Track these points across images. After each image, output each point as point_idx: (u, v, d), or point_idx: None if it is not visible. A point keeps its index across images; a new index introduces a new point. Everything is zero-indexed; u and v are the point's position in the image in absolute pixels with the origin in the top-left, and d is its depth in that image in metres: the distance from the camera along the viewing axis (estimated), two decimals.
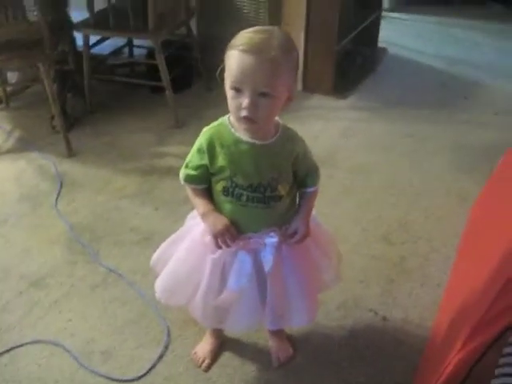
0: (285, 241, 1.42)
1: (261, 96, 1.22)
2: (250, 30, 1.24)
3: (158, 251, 1.60)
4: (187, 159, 1.40)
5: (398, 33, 4.28)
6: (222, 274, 1.45)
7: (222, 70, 1.26)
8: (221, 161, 1.34)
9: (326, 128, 3.00)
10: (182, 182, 1.42)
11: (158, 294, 1.59)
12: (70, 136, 2.77)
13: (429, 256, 2.11)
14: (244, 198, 1.36)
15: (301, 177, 1.43)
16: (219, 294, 1.46)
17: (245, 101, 1.22)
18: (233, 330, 1.63)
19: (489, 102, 3.31)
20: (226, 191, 1.38)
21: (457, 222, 2.15)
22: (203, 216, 1.40)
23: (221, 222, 1.37)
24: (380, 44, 3.91)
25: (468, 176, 2.55)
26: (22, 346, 1.77)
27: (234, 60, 1.21)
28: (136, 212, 2.35)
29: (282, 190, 1.37)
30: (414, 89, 3.47)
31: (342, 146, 2.84)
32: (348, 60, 3.47)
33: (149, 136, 2.89)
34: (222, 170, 1.35)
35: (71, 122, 2.94)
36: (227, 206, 1.40)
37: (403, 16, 4.69)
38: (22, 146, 2.82)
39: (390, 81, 3.57)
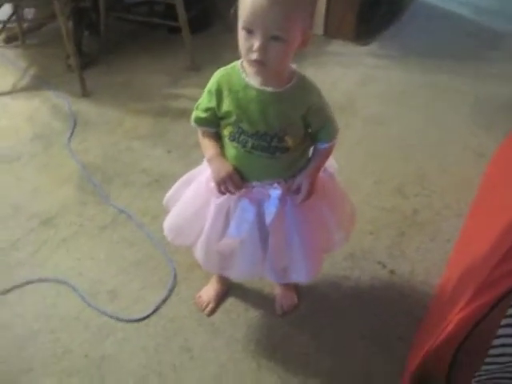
0: (288, 195, 1.39)
1: (272, 39, 1.17)
2: None
3: (171, 190, 1.59)
4: (199, 101, 1.38)
5: None
6: (224, 220, 1.44)
7: (237, 9, 1.21)
8: (227, 105, 1.31)
9: (346, 75, 2.93)
10: (192, 124, 1.40)
11: (165, 232, 1.60)
12: (85, 75, 2.73)
13: (441, 211, 2.08)
14: (249, 145, 1.33)
15: (314, 131, 1.37)
16: (221, 239, 1.46)
17: (256, 43, 1.17)
18: (234, 277, 1.63)
19: None
20: (232, 136, 1.35)
21: (472, 178, 2.10)
22: (209, 160, 1.39)
23: (224, 168, 1.35)
24: None
25: (486, 132, 2.48)
26: (30, 283, 1.80)
27: (247, 0, 1.15)
28: (148, 154, 2.34)
29: (290, 141, 1.33)
30: (439, 38, 3.35)
31: (361, 94, 2.77)
32: (372, 5, 3.34)
33: (164, 77, 2.84)
34: (228, 114, 1.32)
35: (87, 60, 2.89)
36: (233, 152, 1.37)
37: None
38: (37, 84, 2.79)
39: (414, 29, 3.45)
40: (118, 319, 1.70)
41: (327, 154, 1.41)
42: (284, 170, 1.39)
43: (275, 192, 1.38)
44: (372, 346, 1.65)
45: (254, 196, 1.40)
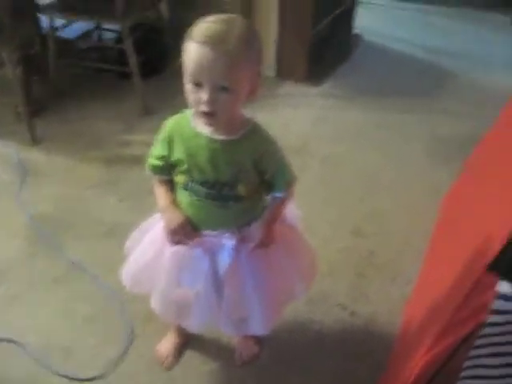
0: (242, 244, 1.36)
1: (220, 90, 1.16)
2: (210, 19, 1.17)
3: (130, 238, 1.55)
4: (152, 149, 1.37)
5: (374, 19, 4.22)
6: (179, 269, 1.41)
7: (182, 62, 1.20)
8: (178, 153, 1.30)
9: (299, 116, 2.95)
10: (147, 172, 1.39)
11: (123, 279, 1.55)
12: (35, 123, 2.68)
13: (400, 249, 2.09)
14: (200, 193, 1.32)
15: (269, 179, 1.35)
16: (177, 288, 1.43)
17: (204, 96, 1.16)
18: (191, 328, 1.58)
19: (465, 91, 3.28)
20: (184, 185, 1.33)
21: (430, 215, 2.11)
22: (161, 210, 1.37)
23: (176, 219, 1.33)
24: (356, 30, 3.85)
25: (442, 167, 2.52)
26: None
27: (192, 53, 1.15)
28: (101, 203, 2.28)
29: (243, 190, 1.31)
30: (388, 77, 3.43)
31: (314, 135, 2.79)
32: (322, 46, 3.41)
33: (116, 123, 2.81)
34: (179, 162, 1.31)
35: (36, 108, 2.84)
36: (185, 200, 1.35)
37: (380, 1, 4.63)
38: None
39: (364, 68, 3.52)
40: (73, 378, 1.63)
41: (283, 203, 1.39)
42: (237, 219, 1.36)
43: (229, 242, 1.35)
44: None
45: (208, 245, 1.37)
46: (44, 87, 3.02)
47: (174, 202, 1.36)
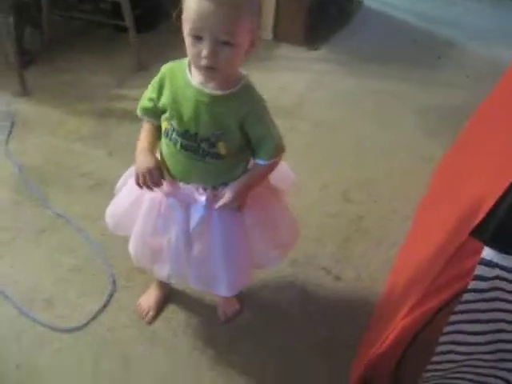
0: (213, 204, 1.34)
1: (222, 44, 1.13)
2: None
3: (120, 179, 1.55)
4: (145, 92, 1.36)
5: None
6: (156, 216, 1.41)
7: (180, 13, 1.16)
8: (165, 98, 1.28)
9: (294, 79, 2.92)
10: (137, 113, 1.37)
11: (106, 219, 1.56)
12: (26, 73, 2.64)
13: (387, 216, 2.08)
14: (178, 144, 1.30)
15: (253, 144, 1.31)
16: (152, 234, 1.44)
17: (204, 50, 1.13)
18: (161, 275, 1.55)
19: (461, 63, 3.25)
20: (165, 133, 1.32)
21: (418, 184, 2.09)
22: (137, 153, 1.35)
23: (146, 163, 1.31)
24: None
25: (434, 138, 2.50)
26: None
27: (192, 5, 1.11)
28: (89, 156, 2.26)
29: (223, 149, 1.28)
30: (386, 44, 3.38)
31: (309, 99, 2.76)
32: (322, 10, 3.34)
33: (108, 77, 2.76)
34: (164, 107, 1.29)
35: (28, 58, 2.79)
36: (165, 148, 1.35)
37: None
38: None
39: (363, 34, 3.47)
40: (53, 328, 1.63)
41: (264, 171, 1.36)
42: (214, 177, 1.34)
43: (201, 198, 1.34)
44: (318, 354, 1.62)
45: (182, 197, 1.36)
46: (36, 38, 2.97)
47: (152, 148, 1.35)
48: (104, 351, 1.59)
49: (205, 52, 1.13)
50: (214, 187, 1.34)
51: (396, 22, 3.69)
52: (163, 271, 1.51)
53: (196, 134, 1.27)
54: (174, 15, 1.18)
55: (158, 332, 1.64)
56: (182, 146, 1.30)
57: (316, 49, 3.22)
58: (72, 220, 1.95)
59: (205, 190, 1.34)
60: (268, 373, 1.58)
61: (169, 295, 1.72)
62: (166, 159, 1.35)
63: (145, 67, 2.79)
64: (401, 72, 3.08)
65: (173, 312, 1.70)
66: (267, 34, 3.23)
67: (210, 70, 1.17)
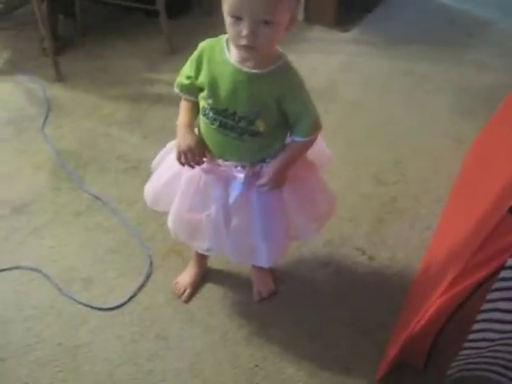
0: (252, 179, 1.36)
1: (261, 23, 1.13)
2: None
3: (157, 156, 1.57)
4: (183, 67, 1.36)
5: None
6: (194, 192, 1.43)
7: None
8: (203, 76, 1.29)
9: (326, 61, 2.89)
10: (175, 89, 1.38)
11: (145, 195, 1.58)
12: (60, 59, 2.67)
13: (420, 197, 2.07)
14: (217, 123, 1.31)
15: (291, 122, 1.33)
16: (190, 210, 1.46)
17: (244, 29, 1.14)
18: (200, 249, 1.59)
19: (496, 42, 3.17)
20: (203, 111, 1.33)
21: (451, 165, 2.08)
22: (177, 128, 1.37)
23: (186, 141, 1.33)
24: None
25: (466, 119, 2.46)
26: (1, 271, 1.75)
27: None
28: (124, 140, 2.29)
29: (262, 126, 1.29)
30: (419, 25, 3.33)
31: (341, 81, 2.74)
32: None
33: (141, 62, 2.78)
34: (203, 86, 1.30)
35: (62, 44, 2.83)
36: (203, 126, 1.36)
37: None
38: (10, 68, 2.72)
39: (394, 15, 3.42)
40: (92, 307, 1.67)
41: (302, 148, 1.37)
42: (252, 154, 1.35)
43: (240, 175, 1.35)
44: (352, 332, 1.63)
45: (221, 174, 1.38)
46: (70, 24, 2.99)
47: (192, 124, 1.37)
48: (141, 330, 1.62)
49: (245, 32, 1.14)
50: (251, 164, 1.36)
51: (430, 2, 3.63)
52: (202, 245, 1.53)
53: (234, 112, 1.28)
54: None
55: (195, 311, 1.67)
56: (220, 124, 1.31)
57: (348, 30, 3.18)
58: (108, 202, 1.99)
59: (243, 167, 1.35)
60: (305, 346, 1.60)
61: (205, 274, 1.75)
62: (204, 136, 1.36)
63: (176, 51, 2.80)
64: (433, 53, 3.02)
65: (209, 291, 1.72)
66: (299, 14, 3.20)
67: (249, 49, 1.18)
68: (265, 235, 1.44)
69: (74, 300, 1.68)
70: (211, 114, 1.31)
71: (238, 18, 1.14)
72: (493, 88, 2.63)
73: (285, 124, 1.34)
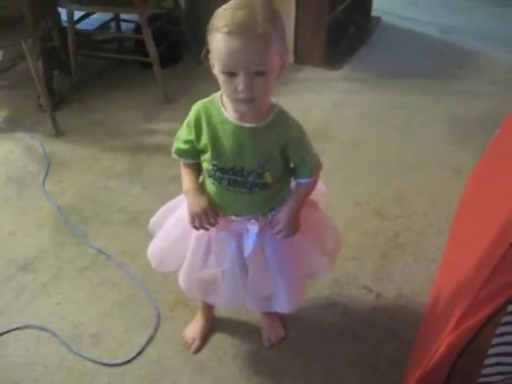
0: (267, 229, 1.38)
1: (256, 75, 1.16)
2: (229, 5, 1.16)
3: (156, 215, 1.57)
4: (178, 132, 1.38)
5: (391, 1, 4.16)
6: (205, 250, 1.44)
7: (207, 52, 1.20)
8: (205, 138, 1.30)
9: (319, 100, 2.94)
10: (173, 155, 1.39)
11: (149, 257, 1.57)
12: (57, 115, 2.71)
13: (423, 230, 2.08)
14: (225, 182, 1.33)
15: (295, 165, 1.36)
16: (203, 268, 1.45)
17: (240, 84, 1.15)
18: (218, 304, 1.60)
19: (484, 71, 3.24)
20: (208, 173, 1.35)
21: (451, 196, 2.10)
22: (185, 193, 1.38)
23: (199, 203, 1.34)
24: (373, 13, 3.81)
25: (462, 148, 2.50)
26: (10, 331, 1.74)
27: (221, 43, 1.13)
28: (125, 191, 2.31)
29: (269, 177, 1.31)
30: (407, 58, 3.40)
31: (335, 119, 2.78)
32: (340, 30, 3.38)
33: (137, 113, 2.83)
34: (205, 148, 1.31)
35: (58, 100, 2.88)
36: (211, 187, 1.37)
37: None
38: (9, 126, 2.77)
39: (383, 51, 3.49)
40: (102, 364, 1.66)
41: (308, 189, 1.39)
42: (263, 205, 1.37)
43: (253, 227, 1.37)
44: (364, 374, 1.62)
45: (234, 229, 1.39)
46: (65, 79, 3.05)
47: (199, 186, 1.38)
48: (152, 383, 1.61)
49: (241, 86, 1.15)
50: (263, 215, 1.37)
51: (416, 36, 3.70)
52: (219, 300, 1.54)
53: (242, 168, 1.30)
54: (202, 55, 1.21)
55: (205, 361, 1.65)
56: (229, 182, 1.32)
57: (338, 69, 3.24)
58: (112, 256, 1.99)
59: (256, 218, 1.37)
60: None
61: (213, 324, 1.74)
62: (213, 196, 1.37)
63: (172, 100, 2.84)
64: (423, 85, 3.08)
65: (218, 340, 1.71)
66: (288, 57, 3.25)
67: (247, 102, 1.19)
68: (283, 282, 1.45)
69: (83, 357, 1.67)
70: (218, 174, 1.32)
71: (232, 74, 1.16)
72: (484, 116, 2.68)
73: (289, 170, 1.37)
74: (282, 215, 1.36)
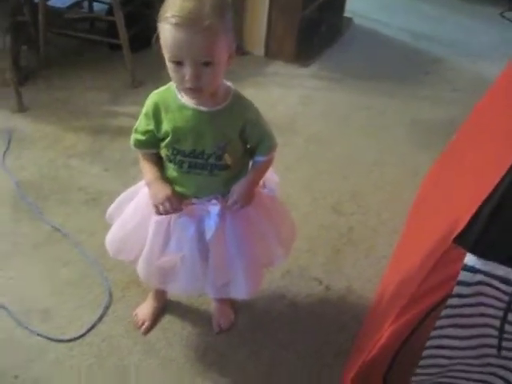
0: (227, 209, 1.40)
1: (203, 65, 1.18)
2: None
3: (114, 203, 1.57)
4: (136, 123, 1.39)
5: (365, 3, 4.20)
6: (165, 236, 1.45)
7: (158, 38, 1.21)
8: (165, 126, 1.32)
9: (286, 95, 2.97)
10: (132, 147, 1.41)
11: (107, 246, 1.58)
12: (23, 90, 2.68)
13: (376, 228, 2.13)
14: (186, 165, 1.35)
15: (252, 146, 1.40)
16: (162, 255, 1.46)
17: (187, 73, 1.18)
18: (175, 292, 1.63)
19: (448, 78, 3.32)
20: (168, 158, 1.37)
21: (408, 196, 2.15)
22: (147, 184, 1.40)
23: (162, 191, 1.36)
24: (346, 14, 3.86)
25: (422, 151, 2.56)
26: None
27: (168, 34, 1.16)
28: (85, 171, 2.30)
29: (229, 159, 1.35)
30: (376, 61, 3.45)
31: (300, 115, 2.82)
32: (312, 27, 3.42)
33: (104, 94, 2.82)
34: (166, 135, 1.33)
35: (25, 75, 2.84)
36: (171, 172, 1.39)
37: None
38: None
39: (353, 51, 3.54)
40: (50, 339, 1.66)
41: (264, 167, 1.43)
42: (223, 186, 1.40)
43: (214, 208, 1.39)
44: (309, 364, 1.66)
45: (194, 213, 1.41)
46: (33, 56, 3.01)
47: (161, 175, 1.39)
48: (100, 361, 1.61)
49: (188, 76, 1.18)
50: (223, 195, 1.40)
51: (386, 40, 3.77)
52: (178, 287, 1.56)
53: (202, 151, 1.32)
54: (153, 41, 1.22)
55: (154, 342, 1.67)
56: (190, 165, 1.35)
57: (307, 66, 3.28)
58: (68, 234, 1.99)
59: (216, 199, 1.39)
60: (261, 379, 1.61)
61: (165, 306, 1.76)
62: (174, 182, 1.39)
63: (139, 84, 2.84)
64: (390, 87, 3.14)
65: (168, 323, 1.73)
66: (259, 50, 3.29)
67: (194, 91, 1.23)
68: (242, 265, 1.47)
69: (32, 332, 1.67)
70: (179, 158, 1.34)
71: (179, 63, 1.18)
72: (445, 121, 2.75)
73: (246, 151, 1.40)
74: (237, 187, 1.39)
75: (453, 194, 1.55)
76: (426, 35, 3.88)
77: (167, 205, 1.35)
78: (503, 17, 4.34)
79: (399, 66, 3.43)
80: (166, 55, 1.20)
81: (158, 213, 1.38)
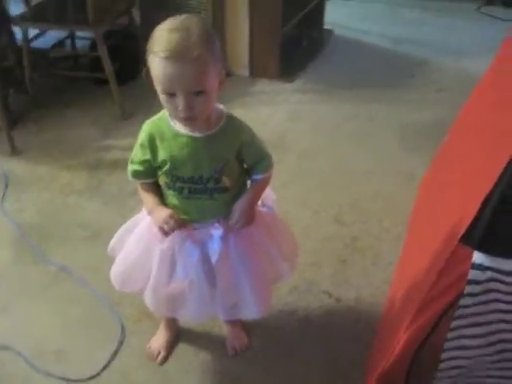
0: (230, 231, 1.41)
1: (195, 95, 1.20)
2: (165, 26, 1.20)
3: (114, 237, 1.58)
4: (132, 154, 1.40)
5: (344, 14, 4.27)
6: (170, 264, 1.45)
7: (148, 70, 1.23)
8: (162, 155, 1.33)
9: (274, 112, 3.00)
10: (130, 178, 1.42)
11: (112, 280, 1.58)
12: (14, 133, 2.69)
13: (380, 235, 2.14)
14: (186, 191, 1.36)
15: (249, 165, 1.42)
16: (169, 283, 1.46)
17: (180, 103, 1.21)
18: (186, 319, 1.62)
19: (433, 79, 3.35)
20: (167, 185, 1.38)
21: (405, 201, 2.16)
22: (150, 212, 1.41)
23: (163, 213, 1.36)
24: (326, 26, 3.90)
25: (414, 154, 2.58)
26: None
27: (158, 68, 1.18)
28: (84, 208, 2.31)
29: (228, 181, 1.36)
30: (360, 69, 3.49)
31: (291, 130, 2.84)
32: (294, 43, 3.46)
33: (94, 129, 2.83)
34: (163, 163, 1.34)
35: (14, 119, 2.86)
36: (171, 200, 1.40)
37: None
38: None
39: (336, 62, 3.58)
40: (67, 380, 1.65)
41: (263, 184, 1.45)
42: (224, 209, 1.41)
43: (217, 231, 1.40)
44: (325, 375, 1.65)
45: (197, 237, 1.41)
46: (21, 98, 3.03)
47: (161, 202, 1.40)
48: None
49: (181, 106, 1.20)
50: (224, 218, 1.41)
51: (368, 47, 3.80)
52: (187, 314, 1.55)
53: (201, 176, 1.33)
54: (143, 74, 1.24)
55: (170, 372, 1.67)
56: (189, 191, 1.36)
57: (291, 81, 3.31)
58: (74, 272, 1.98)
59: (219, 222, 1.40)
60: None
61: (177, 334, 1.75)
62: (176, 209, 1.39)
63: (129, 116, 2.86)
64: (375, 94, 3.17)
65: (183, 350, 1.72)
66: (244, 71, 3.32)
67: (189, 120, 1.25)
68: (252, 284, 1.48)
69: (48, 374, 1.66)
70: (178, 184, 1.36)
71: (171, 95, 1.20)
72: (433, 123, 2.78)
73: (243, 172, 1.42)
74: (239, 204, 1.40)
75: (452, 195, 1.56)
76: (407, 39, 3.92)
77: (171, 222, 1.35)
78: (481, 12, 4.40)
79: (383, 71, 3.46)
80: (158, 87, 1.22)
81: (164, 233, 1.38)
